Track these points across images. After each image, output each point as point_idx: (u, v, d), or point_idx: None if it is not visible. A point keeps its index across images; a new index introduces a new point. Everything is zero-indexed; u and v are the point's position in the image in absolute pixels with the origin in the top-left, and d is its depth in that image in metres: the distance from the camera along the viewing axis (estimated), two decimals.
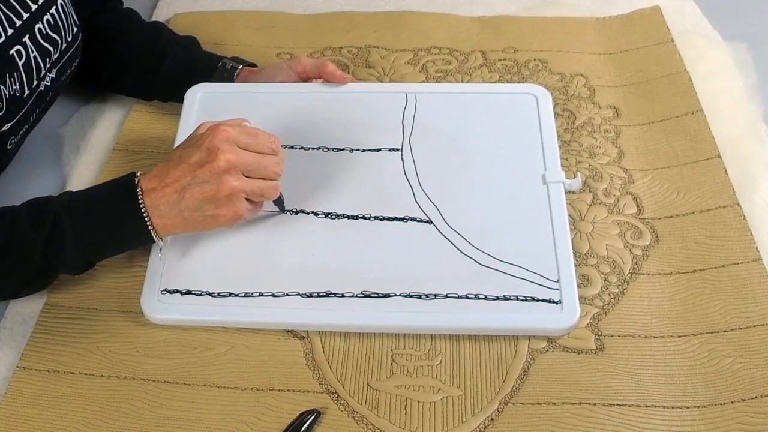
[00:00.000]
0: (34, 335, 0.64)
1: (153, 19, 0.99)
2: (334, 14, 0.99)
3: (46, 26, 0.68)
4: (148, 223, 0.60)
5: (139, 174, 0.61)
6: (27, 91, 0.67)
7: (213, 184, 0.59)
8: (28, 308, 0.67)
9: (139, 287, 0.65)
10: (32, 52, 0.66)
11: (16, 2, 0.65)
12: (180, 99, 0.79)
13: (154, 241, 0.62)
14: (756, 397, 0.59)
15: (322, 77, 0.80)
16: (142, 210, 0.60)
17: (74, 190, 0.63)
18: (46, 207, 0.60)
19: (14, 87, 0.64)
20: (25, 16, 0.66)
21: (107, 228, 0.61)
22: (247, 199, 0.62)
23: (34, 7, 0.67)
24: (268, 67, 0.81)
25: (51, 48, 0.69)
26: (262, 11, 1.00)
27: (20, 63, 0.65)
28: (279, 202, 0.68)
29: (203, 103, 0.78)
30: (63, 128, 0.83)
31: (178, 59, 0.81)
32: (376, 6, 1.00)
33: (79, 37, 0.75)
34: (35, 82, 0.68)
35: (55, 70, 0.71)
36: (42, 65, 0.68)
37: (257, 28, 0.96)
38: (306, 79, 0.81)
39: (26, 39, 0.66)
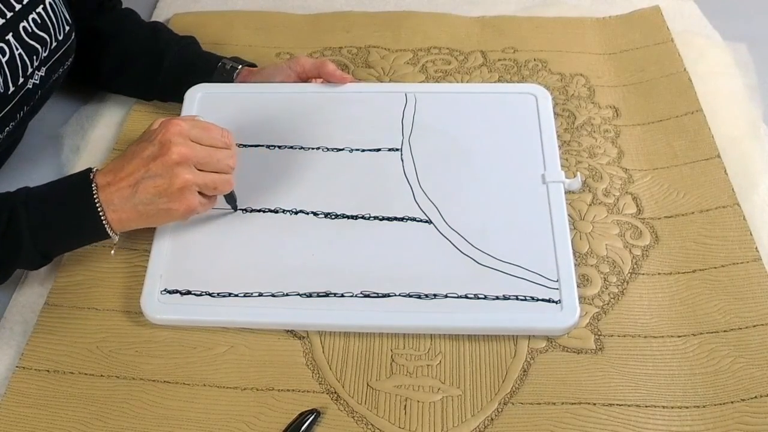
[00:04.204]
0: (34, 335, 0.64)
1: (153, 19, 0.99)
2: (333, 14, 0.99)
3: (33, 25, 0.68)
4: (102, 218, 0.61)
5: (94, 169, 0.62)
6: (12, 89, 0.66)
7: (165, 177, 0.60)
8: (28, 308, 0.67)
9: (139, 287, 0.65)
10: (17, 49, 0.66)
11: None
12: (179, 99, 0.79)
13: (110, 236, 0.62)
14: (756, 397, 0.59)
15: (322, 77, 0.80)
16: (97, 205, 0.60)
17: None
18: (3, 202, 0.61)
19: None
20: (9, 15, 0.66)
21: (62, 223, 0.61)
22: (201, 193, 0.62)
23: (18, 6, 0.67)
24: (268, 67, 0.82)
25: (39, 46, 0.69)
26: (262, 11, 1.00)
27: (3, 60, 0.65)
28: (231, 198, 0.68)
29: (203, 103, 0.78)
30: (62, 128, 0.83)
31: (177, 59, 0.81)
32: (376, 6, 1.00)
33: (72, 36, 0.75)
34: (21, 80, 0.68)
35: (44, 69, 0.71)
36: (29, 63, 0.68)
37: (257, 28, 0.96)
38: (305, 79, 0.81)
39: (9, 37, 0.66)
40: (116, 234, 0.63)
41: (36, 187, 0.63)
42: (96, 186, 0.61)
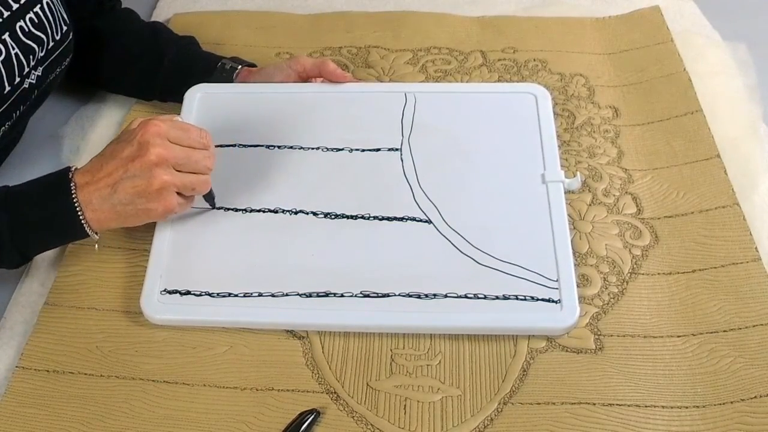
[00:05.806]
0: (34, 335, 0.64)
1: (153, 19, 0.99)
2: (334, 14, 0.99)
3: (30, 24, 0.68)
4: (81, 217, 0.61)
5: (73, 168, 0.62)
6: (8, 88, 0.67)
7: (144, 178, 0.60)
8: (28, 308, 0.67)
9: (138, 287, 0.65)
10: (13, 49, 0.66)
11: None
12: (179, 99, 0.79)
13: (89, 236, 0.62)
14: (756, 397, 0.59)
15: (322, 76, 0.80)
16: (75, 205, 0.60)
17: None
18: None
19: None
20: (6, 14, 0.66)
21: (41, 223, 0.61)
22: (179, 194, 0.63)
23: (15, 6, 0.67)
24: (268, 66, 0.82)
25: (36, 46, 0.69)
26: (262, 11, 1.00)
27: None
28: (209, 197, 0.69)
29: (202, 103, 0.78)
30: (63, 128, 0.83)
31: (177, 59, 0.81)
32: (376, 6, 1.00)
33: (70, 36, 0.75)
34: (17, 79, 0.68)
35: (41, 68, 0.71)
36: (25, 63, 0.68)
37: (257, 28, 0.96)
38: (306, 79, 0.81)
39: (6, 36, 0.66)
40: (96, 233, 0.63)
41: (15, 185, 0.63)
42: (75, 185, 0.61)
